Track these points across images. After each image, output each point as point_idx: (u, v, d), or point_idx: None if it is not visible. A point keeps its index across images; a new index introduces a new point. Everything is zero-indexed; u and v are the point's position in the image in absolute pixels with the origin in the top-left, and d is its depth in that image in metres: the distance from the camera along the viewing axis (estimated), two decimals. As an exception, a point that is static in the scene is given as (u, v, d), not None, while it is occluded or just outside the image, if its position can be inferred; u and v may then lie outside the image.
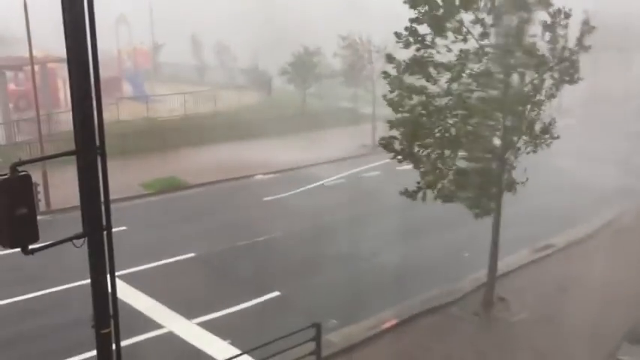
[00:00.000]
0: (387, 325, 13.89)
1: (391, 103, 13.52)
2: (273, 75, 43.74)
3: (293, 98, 41.25)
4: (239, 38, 46.31)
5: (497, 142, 13.83)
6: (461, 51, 13.14)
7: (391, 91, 13.46)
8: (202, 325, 13.85)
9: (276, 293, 15.40)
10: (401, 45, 13.39)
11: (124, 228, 17.00)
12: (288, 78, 40.01)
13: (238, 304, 14.79)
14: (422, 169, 13.49)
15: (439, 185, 13.50)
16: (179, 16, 54.18)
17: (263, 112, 38.52)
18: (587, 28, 13.57)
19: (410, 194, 13.49)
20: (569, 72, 13.58)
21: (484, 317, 14.47)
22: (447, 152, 13.58)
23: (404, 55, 13.57)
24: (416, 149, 13.50)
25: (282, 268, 17.08)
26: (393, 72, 13.54)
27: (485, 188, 13.73)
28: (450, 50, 13.13)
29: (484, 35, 13.08)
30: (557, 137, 13.88)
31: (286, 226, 20.47)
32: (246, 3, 53.25)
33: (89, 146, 6.24)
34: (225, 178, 26.54)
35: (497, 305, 14.83)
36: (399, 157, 13.64)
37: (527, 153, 13.76)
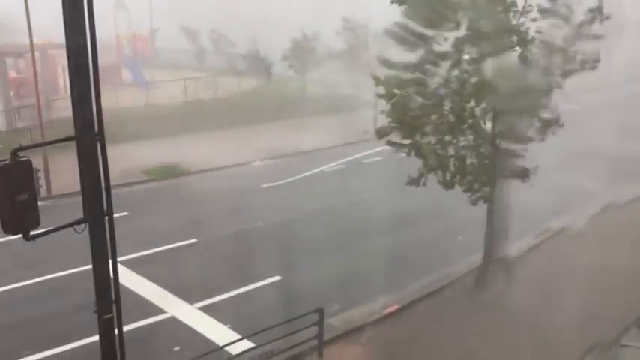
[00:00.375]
0: (387, 309, 13.99)
1: (382, 96, 13.51)
2: (273, 61, 43.62)
3: (293, 84, 41.16)
4: (239, 23, 46.08)
5: (493, 128, 13.85)
6: (457, 39, 13.11)
7: (386, 88, 13.41)
8: (204, 309, 13.94)
9: (276, 278, 15.46)
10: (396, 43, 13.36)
11: (125, 214, 17.07)
12: (288, 64, 39.92)
13: (239, 288, 14.88)
14: (422, 158, 13.53)
15: (439, 172, 13.57)
16: (178, 2, 53.85)
17: (263, 98, 38.45)
18: (595, 15, 13.46)
19: (414, 181, 13.61)
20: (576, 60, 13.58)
21: (482, 301, 14.55)
22: (446, 138, 13.63)
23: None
24: (416, 138, 13.56)
25: (282, 253, 17.13)
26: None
27: (481, 174, 13.80)
28: (446, 40, 13.11)
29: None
30: (561, 125, 13.94)
31: (285, 211, 20.53)
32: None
33: (89, 132, 6.26)
34: (225, 164, 26.59)
35: (494, 289, 14.92)
36: (397, 147, 13.73)
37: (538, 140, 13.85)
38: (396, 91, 13.22)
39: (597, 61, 13.70)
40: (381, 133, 13.88)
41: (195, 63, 49.42)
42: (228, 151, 28.02)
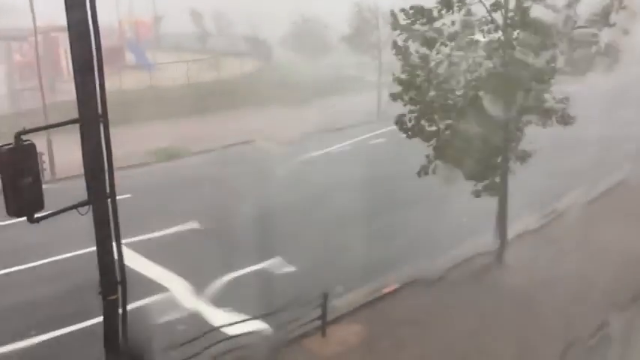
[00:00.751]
0: (387, 289, 14.09)
1: (401, 82, 13.53)
2: (275, 42, 43.41)
3: (296, 66, 40.96)
4: (243, 4, 45.79)
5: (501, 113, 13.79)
6: (465, 21, 13.06)
7: (402, 72, 13.47)
8: (206, 288, 14.04)
9: (280, 260, 15.51)
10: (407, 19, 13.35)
11: (128, 195, 17.08)
12: (290, 46, 39.76)
13: (242, 269, 14.96)
14: (432, 144, 13.57)
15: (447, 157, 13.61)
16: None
17: (265, 79, 38.31)
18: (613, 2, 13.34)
19: (425, 169, 13.63)
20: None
21: (487, 283, 14.62)
22: (453, 123, 13.63)
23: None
24: (425, 125, 13.60)
25: (288, 234, 17.18)
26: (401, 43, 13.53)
27: (488, 160, 13.77)
28: (453, 23, 13.07)
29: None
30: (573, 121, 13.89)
31: (290, 193, 20.54)
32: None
33: (92, 114, 6.27)
34: (230, 144, 26.58)
35: (501, 270, 14.97)
36: (409, 133, 13.77)
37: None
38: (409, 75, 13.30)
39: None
40: (398, 122, 13.89)
41: (198, 45, 49.23)
42: (231, 133, 27.99)
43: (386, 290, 14.04)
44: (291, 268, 15.22)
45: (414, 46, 13.71)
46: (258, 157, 25.42)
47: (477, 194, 14.07)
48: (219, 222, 18.11)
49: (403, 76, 13.59)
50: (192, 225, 17.94)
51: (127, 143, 22.33)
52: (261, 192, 20.68)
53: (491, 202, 14.81)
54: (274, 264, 15.43)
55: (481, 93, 13.26)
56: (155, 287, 14.05)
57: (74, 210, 6.46)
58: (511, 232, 16.06)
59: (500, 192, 14.49)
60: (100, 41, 6.12)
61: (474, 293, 14.13)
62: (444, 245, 16.27)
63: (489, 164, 13.83)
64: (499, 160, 14.02)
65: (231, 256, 15.85)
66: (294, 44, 40.29)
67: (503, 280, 14.72)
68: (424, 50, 13.44)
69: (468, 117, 13.49)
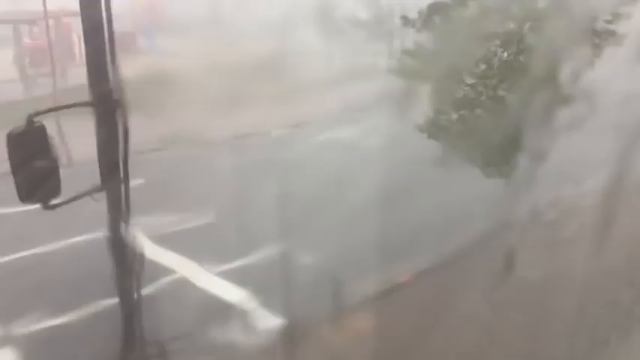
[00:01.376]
0: (401, 279, 14.03)
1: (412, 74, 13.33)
2: (290, 26, 43.09)
3: (310, 51, 40.71)
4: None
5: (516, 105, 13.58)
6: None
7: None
8: (220, 274, 14.04)
9: (291, 245, 15.49)
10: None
11: (141, 181, 17.07)
12: (306, 30, 39.42)
13: (255, 254, 14.94)
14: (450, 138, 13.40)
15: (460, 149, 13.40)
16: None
17: (281, 64, 38.10)
18: None
19: (440, 163, 13.44)
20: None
21: (500, 272, 14.51)
22: (465, 113, 13.44)
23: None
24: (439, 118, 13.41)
25: (300, 221, 17.12)
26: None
27: (500, 149, 13.57)
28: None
29: None
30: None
31: (304, 179, 20.47)
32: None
33: (107, 98, 6.21)
34: (244, 132, 26.53)
35: (514, 259, 14.84)
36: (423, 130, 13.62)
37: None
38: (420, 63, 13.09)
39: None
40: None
41: (213, 29, 48.95)
42: (245, 120, 27.88)
43: (400, 278, 13.98)
44: (304, 255, 15.19)
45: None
46: (273, 142, 25.40)
47: (488, 176, 13.88)
48: (235, 208, 18.08)
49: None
50: (207, 211, 17.92)
51: (139, 129, 22.36)
52: (274, 179, 20.60)
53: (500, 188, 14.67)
54: (287, 250, 15.39)
55: (496, 81, 13.08)
56: (169, 273, 14.08)
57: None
58: (520, 219, 15.92)
59: (511, 178, 14.31)
60: (112, 24, 6.04)
61: (481, 279, 14.05)
62: (457, 232, 16.19)
63: (504, 156, 13.64)
64: (513, 152, 13.80)
65: (245, 242, 15.85)
66: (309, 29, 40.02)
67: (517, 269, 14.60)
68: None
69: (482, 107, 13.33)
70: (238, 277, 13.92)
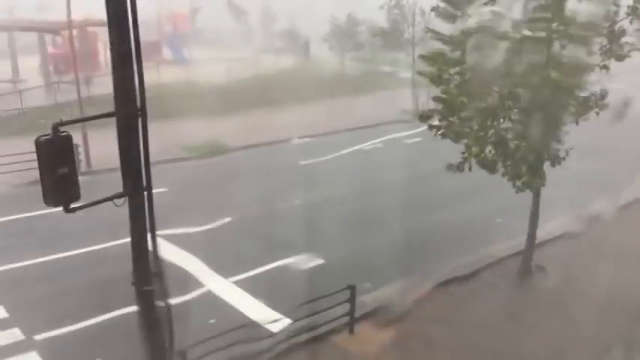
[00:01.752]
0: (420, 288, 13.94)
1: (432, 78, 13.27)
2: (313, 39, 43.42)
3: (332, 62, 40.96)
4: (281, 2, 45.94)
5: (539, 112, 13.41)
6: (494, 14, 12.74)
7: (432, 65, 13.17)
8: (238, 283, 14.11)
9: (310, 255, 15.52)
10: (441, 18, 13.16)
11: (164, 189, 17.28)
12: (329, 45, 39.79)
13: (273, 263, 15.03)
14: (465, 142, 13.24)
15: (482, 155, 13.23)
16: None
17: (302, 76, 38.38)
18: None
19: (455, 167, 13.29)
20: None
21: (520, 285, 14.37)
22: (488, 122, 13.29)
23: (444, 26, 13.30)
24: (456, 122, 13.28)
25: (319, 230, 17.18)
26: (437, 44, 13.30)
27: (527, 160, 13.35)
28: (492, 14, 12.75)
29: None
30: (606, 106, 13.48)
31: (322, 189, 20.57)
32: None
33: (129, 107, 6.31)
34: (264, 141, 26.71)
35: (535, 273, 14.69)
36: (440, 131, 13.48)
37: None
38: (438, 69, 13.03)
39: None
40: (423, 117, 13.65)
41: (236, 40, 49.51)
42: (266, 129, 28.11)
43: (420, 289, 13.90)
44: (321, 263, 15.20)
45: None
46: (292, 153, 25.52)
47: (521, 189, 13.63)
48: (254, 217, 18.20)
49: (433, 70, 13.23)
50: (227, 219, 18.04)
51: (162, 138, 22.63)
52: (293, 188, 20.75)
53: (524, 201, 14.54)
54: (305, 259, 15.44)
55: (519, 90, 12.94)
56: (188, 280, 14.17)
57: (111, 202, 6.51)
58: (545, 234, 15.78)
59: (536, 190, 14.11)
60: (138, 34, 6.15)
61: (505, 293, 13.92)
62: (476, 244, 16.10)
63: (528, 164, 13.43)
64: (537, 159, 13.61)
65: (263, 250, 15.93)
66: (331, 40, 40.25)
67: (536, 281, 14.46)
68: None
69: (506, 115, 13.18)
70: (258, 285, 13.96)
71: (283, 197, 19.81)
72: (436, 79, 13.16)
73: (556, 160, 13.40)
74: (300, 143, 27.15)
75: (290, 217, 18.31)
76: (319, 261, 15.33)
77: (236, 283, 14.15)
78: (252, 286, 13.95)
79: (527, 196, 14.05)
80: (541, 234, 15.14)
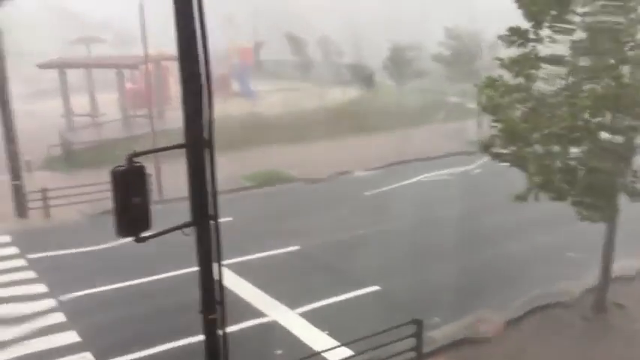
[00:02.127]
0: (490, 324, 13.50)
1: (484, 106, 13.05)
2: (374, 70, 43.63)
3: (396, 93, 40.97)
4: (340, 33, 46.51)
5: (612, 139, 12.89)
6: (572, 42, 12.45)
7: (489, 96, 12.96)
8: (303, 315, 14.09)
9: (375, 287, 15.37)
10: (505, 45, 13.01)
11: (229, 219, 17.57)
12: (388, 73, 39.83)
13: (338, 295, 14.92)
14: (529, 171, 12.86)
15: (549, 185, 12.80)
16: (283, 14, 55.14)
17: (365, 107, 38.54)
18: None
19: (521, 197, 12.90)
20: None
21: (597, 323, 13.69)
22: (555, 149, 12.88)
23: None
24: (519, 149, 12.94)
25: (384, 262, 17.04)
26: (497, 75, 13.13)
27: (601, 190, 12.79)
28: (554, 41, 12.50)
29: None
30: None
31: (387, 220, 20.44)
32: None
33: (198, 140, 6.48)
34: (327, 172, 26.86)
35: (612, 311, 13.99)
36: (504, 159, 13.18)
37: None
38: (499, 99, 12.80)
39: None
40: (484, 146, 13.39)
41: (300, 73, 50.38)
42: (329, 160, 28.29)
43: (490, 326, 13.47)
44: (387, 296, 15.01)
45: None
46: (356, 184, 25.54)
47: (588, 219, 13.02)
48: (319, 247, 18.23)
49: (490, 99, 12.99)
50: (293, 249, 18.14)
51: (228, 168, 23.15)
52: (356, 219, 20.70)
53: (595, 236, 13.96)
54: (370, 291, 15.28)
55: (587, 116, 12.50)
56: (253, 310, 14.26)
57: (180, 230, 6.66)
58: (621, 270, 15.06)
59: (609, 222, 13.48)
60: (209, 70, 6.33)
61: (576, 331, 13.31)
62: (547, 278, 15.53)
63: (600, 194, 12.87)
64: (606, 188, 13.02)
65: (328, 280, 15.90)
66: (395, 71, 40.32)
67: (613, 319, 13.77)
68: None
69: (573, 142, 12.74)
70: (323, 316, 13.89)
71: (347, 227, 19.78)
72: (489, 107, 12.93)
73: (635, 193, 12.78)
74: (364, 175, 27.15)
75: (355, 247, 18.24)
76: (385, 293, 15.15)
77: (301, 314, 14.13)
78: (316, 317, 13.90)
79: (601, 229, 13.49)
80: (617, 270, 14.46)
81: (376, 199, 23.22)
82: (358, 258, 17.44)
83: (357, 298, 14.95)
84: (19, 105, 23.63)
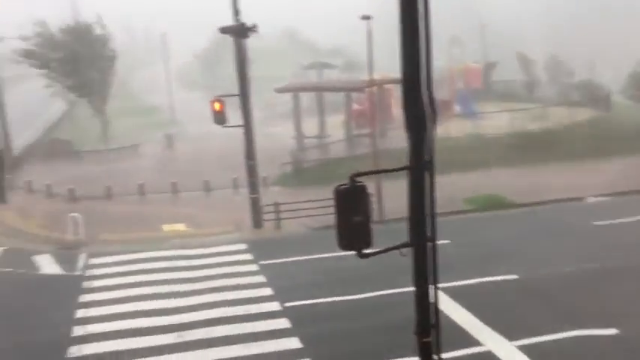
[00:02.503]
0: None
1: None
2: (612, 89, 40.18)
3: (634, 115, 37.25)
4: (572, 50, 43.70)
5: None
6: None
7: None
8: (522, 348, 13.36)
9: (613, 330, 13.96)
10: None
11: (447, 241, 17.39)
12: (627, 94, 36.43)
13: (564, 332, 13.92)
14: None
15: None
16: (513, 32, 53.49)
17: (598, 130, 35.59)
18: None
19: None
20: None
21: None
22: None
23: None
24: None
25: (619, 302, 15.42)
26: None
27: None
28: None
29: None
30: None
31: (621, 254, 18.53)
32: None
33: (420, 162, 6.56)
34: (553, 198, 25.26)
35: None
36: None
37: None
38: None
39: None
40: None
41: (526, 94, 48.28)
42: (555, 185, 26.59)
43: None
44: (616, 338, 13.59)
45: None
46: (584, 212, 23.65)
47: None
48: (541, 277, 17.19)
49: None
50: (511, 277, 17.35)
51: (446, 189, 22.95)
52: (585, 251, 19.10)
53: None
54: (606, 334, 13.89)
55: None
56: (468, 337, 13.92)
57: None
58: None
59: None
60: (432, 94, 6.39)
61: None
62: None
63: None
64: None
65: (551, 315, 14.89)
66: (630, 88, 36.75)
67: None
68: None
69: None
70: (543, 352, 13.04)
71: (573, 259, 18.35)
72: None
73: None
74: (595, 202, 25.01)
75: (583, 281, 16.83)
76: (626, 339, 13.64)
77: (519, 347, 13.42)
78: (537, 353, 13.09)
79: None
80: None
81: (609, 230, 21.20)
82: (587, 294, 16.04)
83: (588, 338, 13.73)
84: (258, 127, 26.05)
